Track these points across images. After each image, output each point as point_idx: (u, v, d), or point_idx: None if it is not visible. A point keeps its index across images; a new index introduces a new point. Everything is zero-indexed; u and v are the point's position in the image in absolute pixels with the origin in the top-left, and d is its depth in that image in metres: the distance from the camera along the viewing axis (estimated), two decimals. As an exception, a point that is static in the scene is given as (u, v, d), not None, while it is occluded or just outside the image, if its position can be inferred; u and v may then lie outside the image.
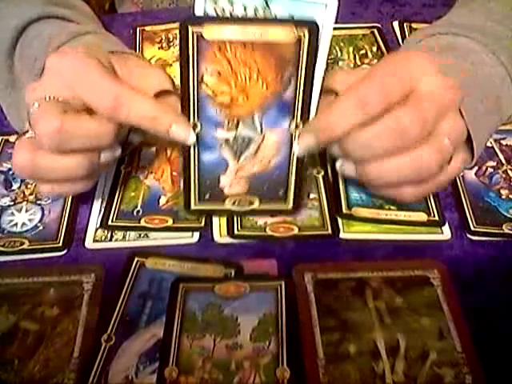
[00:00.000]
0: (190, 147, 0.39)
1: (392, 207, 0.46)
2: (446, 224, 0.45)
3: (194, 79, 0.36)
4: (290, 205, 0.43)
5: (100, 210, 0.46)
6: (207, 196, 0.42)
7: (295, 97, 0.37)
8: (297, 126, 0.39)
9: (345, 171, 0.41)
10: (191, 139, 0.38)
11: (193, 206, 0.43)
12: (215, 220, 0.45)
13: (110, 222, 0.45)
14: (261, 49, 0.35)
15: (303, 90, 0.37)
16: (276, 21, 0.36)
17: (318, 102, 0.39)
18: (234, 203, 0.42)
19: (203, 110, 0.38)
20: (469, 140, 0.43)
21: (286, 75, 0.37)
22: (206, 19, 0.35)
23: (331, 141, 0.38)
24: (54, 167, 0.38)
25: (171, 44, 0.63)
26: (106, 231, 0.45)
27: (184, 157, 0.40)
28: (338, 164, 0.41)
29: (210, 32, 0.35)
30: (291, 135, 0.39)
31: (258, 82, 0.37)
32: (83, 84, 0.38)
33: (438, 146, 0.37)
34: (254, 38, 0.35)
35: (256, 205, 0.43)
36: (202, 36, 0.35)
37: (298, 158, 0.40)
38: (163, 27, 0.66)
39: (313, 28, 0.35)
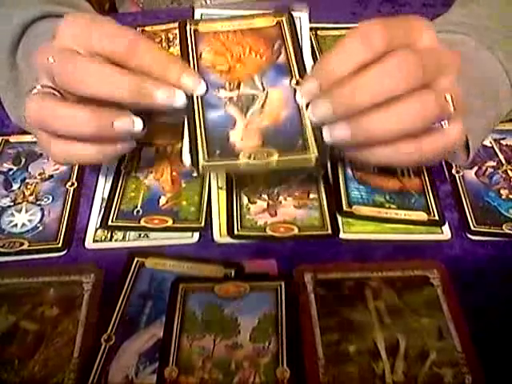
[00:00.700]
0: (193, 107, 0.39)
1: (392, 206, 0.46)
2: (446, 224, 0.45)
3: (194, 56, 0.41)
4: (315, 153, 0.37)
5: (100, 210, 0.46)
6: (218, 151, 0.37)
7: (289, 60, 0.41)
8: (298, 82, 0.39)
9: (336, 134, 0.37)
10: (201, 88, 0.39)
11: (202, 162, 0.37)
12: (215, 220, 0.45)
13: (109, 222, 0.45)
14: (249, 33, 0.43)
15: (294, 55, 0.41)
16: (259, 14, 0.44)
17: None
18: (249, 157, 0.37)
19: (204, 77, 0.40)
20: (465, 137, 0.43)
21: (275, 46, 0.42)
22: (201, 20, 0.45)
23: (333, 82, 0.36)
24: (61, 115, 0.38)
25: (171, 44, 0.63)
26: (105, 231, 0.45)
27: (188, 118, 0.39)
28: (325, 129, 0.37)
29: (205, 27, 0.43)
30: (294, 90, 0.39)
31: (252, 54, 0.41)
32: (98, 32, 0.38)
33: (437, 95, 0.36)
34: (242, 27, 0.43)
35: (275, 157, 0.37)
36: (197, 30, 0.43)
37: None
38: (163, 27, 0.66)
39: (288, 15, 0.44)
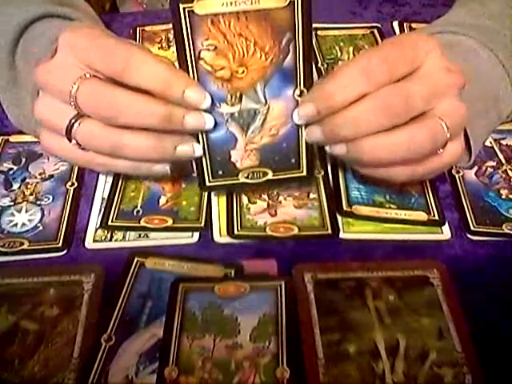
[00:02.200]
0: None
1: (392, 206, 0.46)
2: (446, 224, 0.45)
3: (192, 56, 0.37)
4: (305, 171, 0.42)
5: (100, 210, 0.46)
6: (220, 172, 0.42)
7: (296, 64, 0.38)
8: (301, 93, 0.39)
9: (335, 150, 0.39)
10: (207, 102, 0.37)
11: (207, 183, 0.42)
12: (215, 220, 0.45)
13: (109, 222, 0.45)
14: (255, 18, 0.36)
15: (303, 56, 0.37)
16: None
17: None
18: (247, 176, 0.42)
19: (204, 87, 0.37)
20: (466, 138, 0.43)
21: (283, 42, 0.37)
22: None
23: (331, 110, 0.37)
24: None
25: (171, 44, 0.63)
26: (105, 231, 0.45)
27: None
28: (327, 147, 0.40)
29: (202, 7, 0.35)
30: (297, 103, 0.39)
31: (256, 52, 0.37)
32: (94, 51, 0.37)
33: (431, 126, 0.37)
34: (246, 7, 0.35)
35: (270, 175, 0.42)
36: (193, 11, 0.35)
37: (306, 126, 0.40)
38: (163, 27, 0.66)
39: None
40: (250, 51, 0.37)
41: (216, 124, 0.39)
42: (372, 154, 0.38)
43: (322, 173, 0.48)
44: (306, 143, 0.41)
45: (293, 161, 0.42)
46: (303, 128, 0.40)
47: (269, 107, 0.39)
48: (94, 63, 0.37)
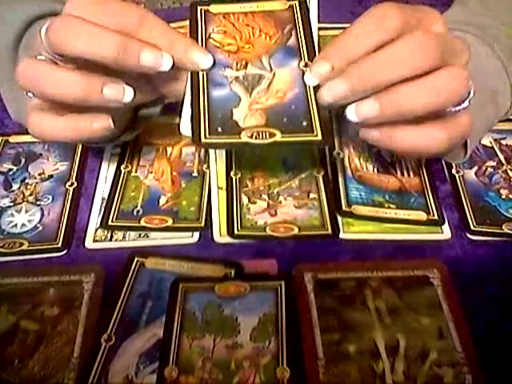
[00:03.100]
0: (198, 84, 0.38)
1: (392, 206, 0.46)
2: (446, 223, 0.45)
3: (202, 37, 0.40)
4: (319, 135, 0.37)
5: (100, 210, 0.46)
6: (219, 129, 0.37)
7: (299, 43, 0.40)
8: (306, 65, 0.38)
9: (363, 110, 0.35)
10: (208, 62, 0.38)
11: (203, 139, 0.37)
12: (215, 220, 0.45)
13: (109, 222, 0.45)
14: (260, 15, 0.42)
15: (305, 39, 0.40)
16: None
17: None
18: (251, 136, 0.37)
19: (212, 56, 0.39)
20: None
21: (286, 29, 0.41)
22: (212, 1, 0.43)
23: (348, 63, 0.35)
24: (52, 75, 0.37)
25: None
26: (105, 231, 0.45)
27: (192, 94, 0.38)
28: (350, 108, 0.36)
29: (216, 8, 0.42)
30: (302, 72, 0.38)
31: (261, 35, 0.41)
32: (105, 8, 0.37)
33: (458, 72, 0.35)
34: (254, 10, 0.42)
35: (278, 137, 0.37)
36: (208, 10, 0.42)
37: (315, 91, 0.37)
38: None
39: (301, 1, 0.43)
40: (255, 35, 0.41)
41: (219, 84, 0.38)
42: (408, 100, 0.34)
43: (322, 173, 0.48)
44: (318, 107, 0.37)
45: (304, 124, 0.37)
46: (312, 91, 0.38)
47: (274, 74, 0.39)
48: (103, 20, 0.36)
